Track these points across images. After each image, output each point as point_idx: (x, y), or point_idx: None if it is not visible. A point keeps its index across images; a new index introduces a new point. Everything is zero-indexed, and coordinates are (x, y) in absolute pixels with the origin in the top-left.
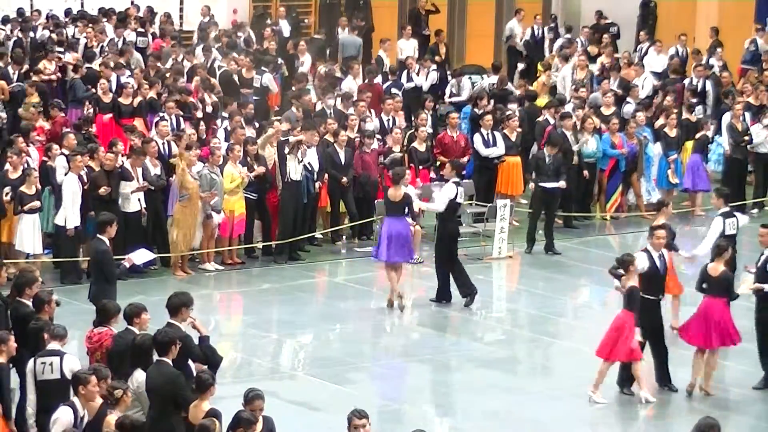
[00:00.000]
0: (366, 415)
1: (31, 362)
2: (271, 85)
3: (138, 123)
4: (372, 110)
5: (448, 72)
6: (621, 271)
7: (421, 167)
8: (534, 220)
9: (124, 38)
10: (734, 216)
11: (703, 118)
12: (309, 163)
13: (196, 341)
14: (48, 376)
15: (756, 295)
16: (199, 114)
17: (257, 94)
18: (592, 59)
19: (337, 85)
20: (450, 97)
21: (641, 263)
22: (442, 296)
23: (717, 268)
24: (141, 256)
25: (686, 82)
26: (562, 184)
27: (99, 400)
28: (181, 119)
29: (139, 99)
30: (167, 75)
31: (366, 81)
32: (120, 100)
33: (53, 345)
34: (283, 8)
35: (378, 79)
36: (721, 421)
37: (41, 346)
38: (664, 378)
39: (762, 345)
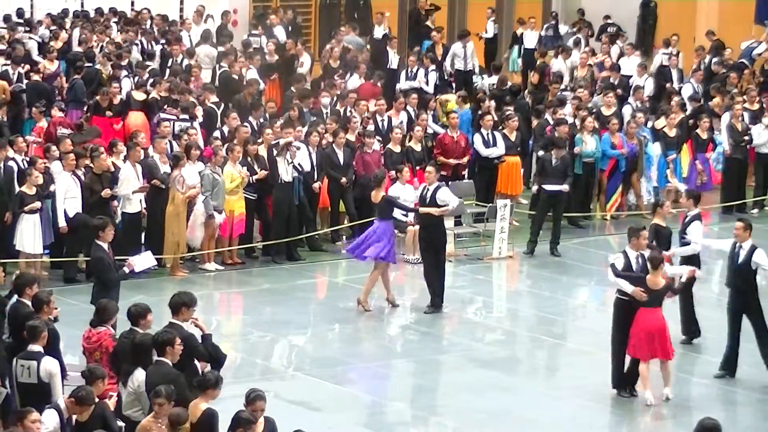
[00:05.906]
0: None
1: (14, 362)
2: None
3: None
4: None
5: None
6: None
7: (417, 167)
8: (538, 223)
9: (123, 39)
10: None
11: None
12: (299, 164)
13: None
14: (26, 379)
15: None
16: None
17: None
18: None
19: (334, 83)
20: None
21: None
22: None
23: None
24: (144, 260)
25: (687, 89)
26: (564, 187)
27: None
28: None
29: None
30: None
31: (371, 81)
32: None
33: (33, 346)
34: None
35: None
36: (723, 422)
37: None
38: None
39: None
